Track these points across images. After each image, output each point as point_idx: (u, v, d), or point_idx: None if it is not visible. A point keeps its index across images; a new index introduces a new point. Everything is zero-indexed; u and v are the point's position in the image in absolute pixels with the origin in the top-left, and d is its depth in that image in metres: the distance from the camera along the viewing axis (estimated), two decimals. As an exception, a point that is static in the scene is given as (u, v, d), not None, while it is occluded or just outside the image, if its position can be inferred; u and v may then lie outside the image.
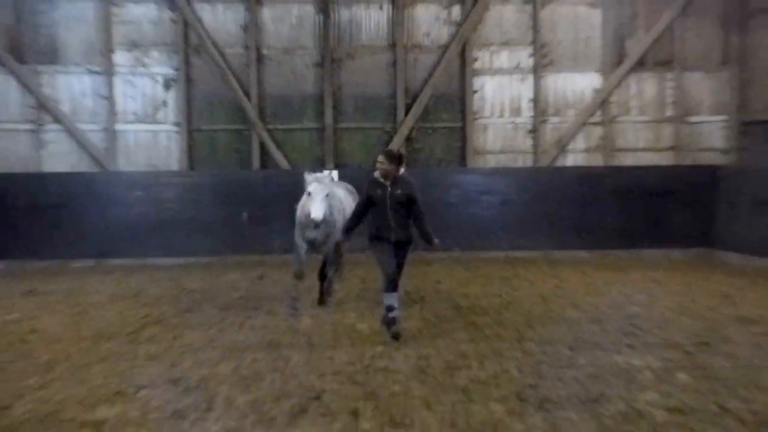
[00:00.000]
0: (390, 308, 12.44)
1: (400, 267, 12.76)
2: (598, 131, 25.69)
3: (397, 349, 11.68)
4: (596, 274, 19.89)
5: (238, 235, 22.79)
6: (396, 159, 12.92)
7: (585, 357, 10.96)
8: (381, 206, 12.69)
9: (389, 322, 12.51)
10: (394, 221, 12.61)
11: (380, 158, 12.94)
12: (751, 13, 24.94)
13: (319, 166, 24.18)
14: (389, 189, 12.66)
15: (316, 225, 13.87)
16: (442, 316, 14.37)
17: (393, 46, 25.33)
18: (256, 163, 24.96)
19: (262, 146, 25.08)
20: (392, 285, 12.47)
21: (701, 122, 25.89)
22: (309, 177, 14.39)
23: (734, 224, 23.30)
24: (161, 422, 8.35)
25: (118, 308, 15.81)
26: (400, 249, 12.76)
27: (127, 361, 11.16)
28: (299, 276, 14.89)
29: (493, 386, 9.54)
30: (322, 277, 15.67)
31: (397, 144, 24.69)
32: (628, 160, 25.53)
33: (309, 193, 14.02)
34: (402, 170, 13.15)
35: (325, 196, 13.94)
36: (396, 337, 12.42)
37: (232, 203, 23.04)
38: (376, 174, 12.97)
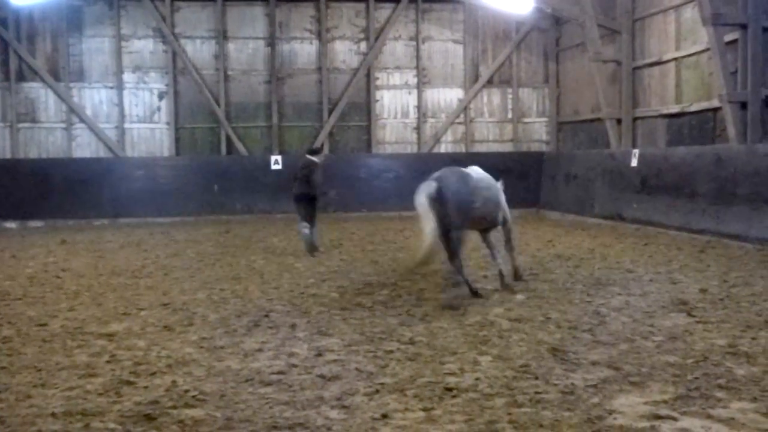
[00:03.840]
0: (308, 235, 14.27)
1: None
2: (461, 128, 25.82)
3: (323, 280, 11.53)
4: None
5: (211, 201, 22.45)
6: (316, 152, 15.00)
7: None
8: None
9: (310, 244, 14.29)
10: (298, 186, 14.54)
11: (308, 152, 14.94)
12: (563, 49, 25.32)
13: (268, 153, 24.01)
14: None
15: None
16: (355, 257, 14.27)
17: (319, 69, 25.15)
18: (223, 150, 24.71)
19: (228, 139, 24.78)
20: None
21: (531, 122, 26.16)
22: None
23: (553, 192, 23.64)
24: (156, 334, 8.11)
25: (125, 253, 15.49)
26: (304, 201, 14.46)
27: (131, 291, 10.90)
28: None
29: (390, 306, 9.44)
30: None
31: (322, 138, 24.63)
32: (481, 148, 25.69)
33: None
34: (320, 157, 14.98)
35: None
36: (313, 250, 14.28)
37: (206, 179, 22.68)
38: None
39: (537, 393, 5.82)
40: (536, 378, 6.23)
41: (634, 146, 20.50)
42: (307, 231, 14.37)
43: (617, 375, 6.25)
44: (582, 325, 8.15)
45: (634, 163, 18.81)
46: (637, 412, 5.36)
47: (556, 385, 6.02)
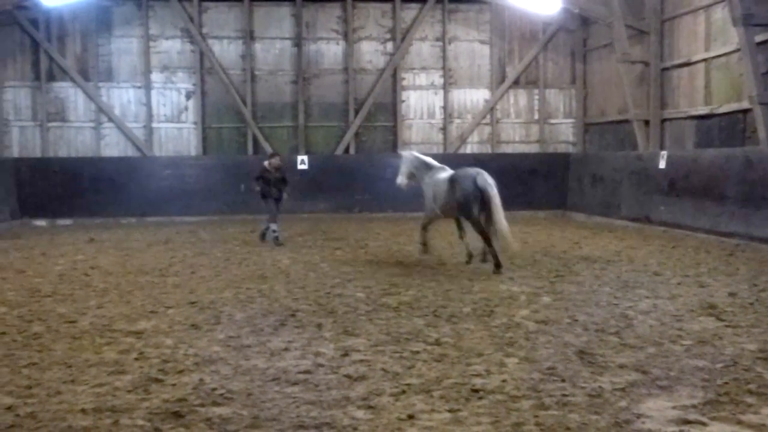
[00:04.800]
0: (275, 230, 16.40)
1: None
2: (487, 129, 25.74)
3: (349, 280, 11.55)
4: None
5: (237, 201, 22.51)
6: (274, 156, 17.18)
7: (479, 286, 10.88)
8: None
9: (276, 237, 16.36)
10: (275, 188, 16.50)
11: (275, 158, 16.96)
12: (590, 49, 25.13)
13: (294, 153, 24.08)
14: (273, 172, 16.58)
15: None
16: (380, 257, 14.27)
17: (346, 69, 25.16)
18: (250, 150, 24.81)
19: (255, 139, 24.90)
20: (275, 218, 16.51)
21: (557, 123, 26.01)
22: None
23: (580, 193, 23.52)
24: (183, 332, 8.17)
25: (153, 252, 15.60)
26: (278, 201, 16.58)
27: (158, 289, 10.98)
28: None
29: (415, 306, 9.43)
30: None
31: (348, 138, 24.74)
32: (507, 149, 25.60)
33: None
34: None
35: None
36: (280, 245, 16.14)
37: (233, 178, 22.61)
38: (266, 164, 16.73)
39: (564, 396, 5.80)
40: (563, 380, 6.20)
41: (662, 148, 20.32)
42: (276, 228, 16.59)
43: (645, 379, 6.21)
44: (609, 327, 8.11)
45: (662, 165, 18.67)
46: (666, 416, 5.33)
47: (583, 388, 5.99)
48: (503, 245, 12.36)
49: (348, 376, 6.38)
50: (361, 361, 6.90)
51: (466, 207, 12.45)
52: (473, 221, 12.50)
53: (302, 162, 23.24)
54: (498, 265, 12.18)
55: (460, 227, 13.69)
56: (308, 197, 22.67)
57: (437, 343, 7.54)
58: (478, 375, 6.40)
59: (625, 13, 21.06)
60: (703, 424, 5.17)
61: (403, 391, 5.95)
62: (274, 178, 16.58)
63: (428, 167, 13.95)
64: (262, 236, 16.95)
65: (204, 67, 24.88)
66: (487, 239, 12.41)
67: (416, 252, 14.29)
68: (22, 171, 22.87)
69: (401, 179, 14.21)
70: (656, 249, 15.08)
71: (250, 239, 17.55)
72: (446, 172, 13.44)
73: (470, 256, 13.28)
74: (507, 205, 23.50)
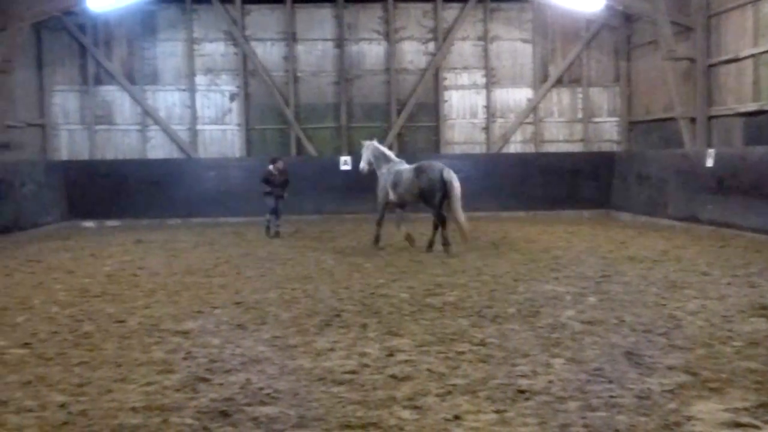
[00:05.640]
0: (278, 224, 18.34)
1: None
2: (530, 128, 25.57)
3: (393, 280, 11.55)
4: (530, 228, 19.77)
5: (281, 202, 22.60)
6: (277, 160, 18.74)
7: (524, 286, 10.81)
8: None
9: (276, 232, 18.29)
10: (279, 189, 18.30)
11: (278, 162, 18.64)
12: (634, 47, 24.84)
13: (337, 154, 24.16)
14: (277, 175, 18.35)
15: None
16: (424, 257, 14.23)
17: (387, 69, 25.18)
18: (293, 151, 24.93)
19: (298, 140, 25.01)
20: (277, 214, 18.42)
21: (601, 122, 25.74)
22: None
23: (625, 192, 23.27)
24: (229, 332, 8.26)
25: (198, 252, 15.77)
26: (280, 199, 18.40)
27: (205, 289, 11.08)
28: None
29: (460, 307, 9.41)
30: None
31: (390, 138, 24.69)
32: (551, 148, 25.40)
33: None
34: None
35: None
36: (277, 235, 18.17)
37: (288, 173, 22.61)
38: (271, 168, 18.45)
39: (611, 397, 5.75)
40: (610, 382, 6.15)
41: (709, 146, 19.99)
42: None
43: (695, 380, 6.13)
44: (657, 328, 8.02)
45: (709, 163, 18.38)
46: (717, 419, 5.25)
47: (630, 389, 5.93)
48: (461, 234, 14.61)
49: (393, 377, 6.40)
50: (406, 361, 6.90)
51: (430, 194, 14.62)
52: (433, 206, 14.65)
53: (345, 162, 23.29)
54: (446, 243, 14.48)
55: (399, 218, 15.98)
56: (352, 198, 22.69)
57: (482, 343, 7.52)
58: (524, 376, 6.37)
59: (670, 9, 20.76)
60: (756, 427, 5.08)
61: (449, 392, 5.95)
62: (278, 181, 18.47)
63: (387, 159, 16.12)
64: (267, 230, 18.53)
65: (247, 69, 25.08)
66: (443, 224, 14.63)
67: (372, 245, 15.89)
68: (71, 173, 23.27)
69: (363, 165, 16.37)
70: (704, 248, 14.86)
71: (294, 242, 17.65)
72: (406, 165, 15.70)
73: (411, 239, 15.58)
74: (551, 204, 23.68)
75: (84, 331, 8.38)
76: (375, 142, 16.64)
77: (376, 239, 15.93)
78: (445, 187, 14.46)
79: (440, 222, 14.65)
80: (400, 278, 11.77)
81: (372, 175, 16.42)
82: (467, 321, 8.57)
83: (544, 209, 23.79)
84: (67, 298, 10.54)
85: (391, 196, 15.48)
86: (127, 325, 8.65)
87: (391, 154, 16.43)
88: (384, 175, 15.84)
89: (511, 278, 11.54)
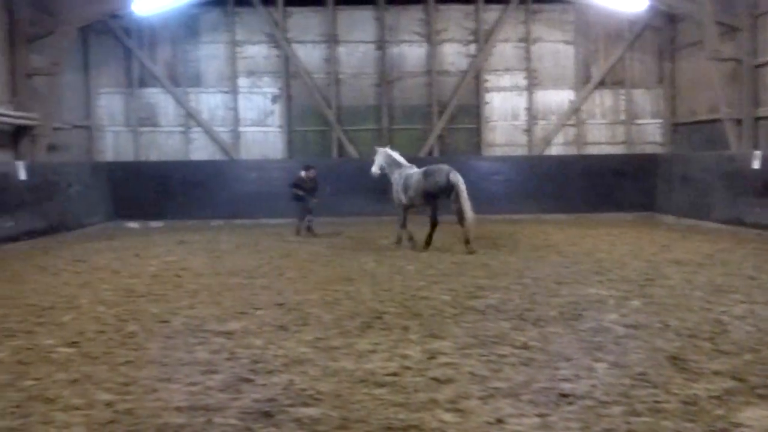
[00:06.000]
0: (310, 219, 19.10)
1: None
2: (572, 130, 25.40)
3: (434, 283, 11.53)
4: (572, 230, 19.61)
5: (322, 203, 22.62)
6: (310, 168, 19.55)
7: (566, 289, 10.72)
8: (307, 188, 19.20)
9: (310, 228, 19.04)
10: (308, 193, 19.13)
11: (311, 171, 19.44)
12: (678, 48, 24.54)
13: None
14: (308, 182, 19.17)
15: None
16: (465, 260, 14.18)
17: (428, 71, 25.18)
18: (334, 153, 25.03)
19: (339, 142, 25.13)
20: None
21: (644, 124, 25.49)
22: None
23: (668, 195, 22.98)
24: (272, 333, 8.30)
25: (241, 254, 15.88)
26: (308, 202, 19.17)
27: (247, 290, 11.17)
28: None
29: (501, 309, 9.37)
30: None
31: (431, 141, 24.75)
32: (593, 150, 25.17)
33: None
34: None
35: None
36: (309, 231, 19.05)
37: (318, 181, 22.65)
38: (303, 174, 19.31)
39: (656, 402, 5.69)
40: (655, 387, 6.08)
41: (755, 148, 19.65)
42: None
43: (742, 386, 6.03)
44: (702, 333, 7.91)
45: (756, 165, 18.07)
46: (765, 426, 5.18)
47: (676, 394, 5.87)
48: (468, 232, 15.22)
49: (435, 379, 6.39)
50: (448, 364, 6.89)
51: (435, 195, 15.48)
52: (433, 207, 15.60)
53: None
54: (428, 243, 15.68)
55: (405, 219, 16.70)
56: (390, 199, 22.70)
57: (524, 346, 7.48)
58: (567, 380, 6.33)
59: (715, 9, 20.47)
60: (805, 434, 5.00)
61: (491, 395, 5.93)
62: (308, 187, 19.31)
63: (398, 164, 16.91)
64: (307, 228, 19.29)
65: (289, 71, 25.24)
66: (433, 225, 15.68)
67: (408, 245, 16.29)
68: (115, 174, 23.61)
69: (374, 169, 17.30)
70: (750, 252, 14.61)
71: (335, 244, 17.71)
72: (416, 169, 16.44)
73: (411, 239, 16.38)
74: (593, 207, 23.47)
75: (129, 330, 8.49)
76: (387, 149, 17.44)
77: (398, 240, 16.74)
78: (451, 188, 15.23)
79: (433, 223, 15.70)
80: (442, 281, 11.74)
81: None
82: (509, 324, 8.53)
83: (586, 212, 23.62)
84: (113, 297, 10.69)
85: (403, 200, 16.33)
86: (171, 325, 8.75)
87: (402, 159, 17.07)
88: (396, 179, 16.68)
89: (553, 281, 11.46)
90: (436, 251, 15.36)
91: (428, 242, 15.73)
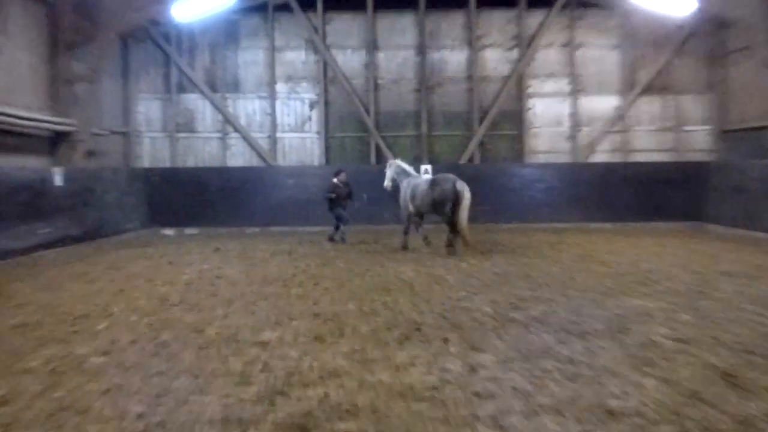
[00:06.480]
0: (343, 232, 19.42)
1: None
2: (617, 137, 25.04)
3: (475, 294, 11.37)
4: (617, 240, 19.33)
5: (360, 211, 22.58)
6: (340, 172, 19.68)
7: (612, 301, 10.51)
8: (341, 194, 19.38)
9: (343, 237, 19.40)
10: (343, 200, 19.38)
11: (341, 174, 19.53)
12: (728, 53, 24.02)
13: (417, 162, 23.92)
14: (342, 187, 19.33)
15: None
16: (507, 270, 14.00)
17: (470, 77, 25.04)
18: (373, 159, 24.98)
19: (377, 148, 25.04)
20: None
21: (692, 130, 25.04)
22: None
23: (718, 204, 22.55)
24: (307, 344, 8.22)
25: (276, 262, 15.84)
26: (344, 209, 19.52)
27: (283, 299, 11.10)
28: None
29: (545, 322, 9.19)
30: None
31: (472, 147, 24.59)
32: (639, 157, 24.80)
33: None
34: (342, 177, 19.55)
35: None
36: (343, 241, 19.32)
37: (356, 188, 22.16)
38: (335, 180, 19.32)
39: (708, 421, 5.51)
40: (707, 405, 5.90)
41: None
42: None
43: (800, 405, 5.82)
44: (757, 348, 7.67)
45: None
46: (826, 448, 4.96)
47: (729, 413, 5.69)
48: (463, 240, 16.11)
49: (476, 394, 6.26)
50: (490, 378, 6.76)
51: (441, 204, 16.18)
52: (444, 214, 16.30)
53: (426, 171, 23.19)
54: (450, 245, 16.43)
55: (418, 224, 17.82)
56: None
57: (569, 361, 7.31)
58: (614, 396, 6.16)
59: (765, 14, 20.06)
60: None
61: (534, 411, 5.79)
62: (344, 193, 19.45)
63: (407, 174, 17.99)
64: (342, 237, 19.56)
65: (327, 77, 25.27)
66: (453, 229, 16.30)
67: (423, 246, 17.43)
68: (152, 180, 23.79)
69: (387, 183, 18.29)
70: (805, 264, 14.26)
71: (372, 252, 17.62)
72: (424, 178, 17.55)
73: (425, 238, 17.59)
74: (639, 215, 23.22)
75: (162, 340, 8.47)
76: (398, 161, 18.46)
77: (404, 246, 17.58)
78: (458, 198, 16.01)
79: (451, 227, 16.41)
80: (483, 291, 11.58)
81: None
82: (553, 337, 8.36)
83: (632, 221, 23.33)
84: (147, 306, 10.70)
85: (411, 208, 17.27)
86: (204, 335, 8.71)
87: (411, 170, 18.21)
88: (404, 188, 17.65)
89: (599, 293, 11.25)
90: (476, 260, 15.20)
91: (450, 244, 16.50)
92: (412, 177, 17.85)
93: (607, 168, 24.28)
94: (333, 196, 19.19)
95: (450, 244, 16.49)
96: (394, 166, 18.27)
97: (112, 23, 21.31)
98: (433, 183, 16.61)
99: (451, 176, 16.53)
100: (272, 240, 20.62)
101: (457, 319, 9.41)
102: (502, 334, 8.56)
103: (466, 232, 16.10)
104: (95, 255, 17.38)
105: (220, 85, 25.18)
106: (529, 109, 25.16)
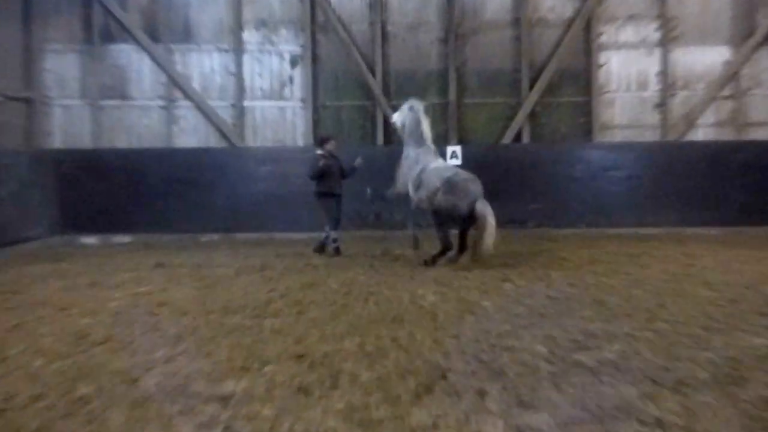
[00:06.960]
0: (335, 239, 19.30)
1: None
2: (728, 105, 25.08)
3: (523, 327, 11.36)
4: (728, 252, 19.32)
5: (362, 210, 22.63)
6: (328, 140, 19.60)
7: (721, 338, 10.48)
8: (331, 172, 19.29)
9: (337, 249, 19.31)
10: (337, 182, 19.49)
11: (329, 143, 19.43)
12: None
13: (441, 142, 23.89)
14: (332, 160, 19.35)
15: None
16: (569, 294, 13.99)
17: (517, 20, 25.13)
18: (379, 138, 25.01)
19: (386, 122, 25.04)
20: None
21: (836, 96, 25.05)
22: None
23: None
24: (286, 398, 8.20)
25: (244, 283, 15.88)
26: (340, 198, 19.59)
27: (252, 336, 11.09)
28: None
29: (623, 368, 9.16)
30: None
31: (521, 119, 24.59)
32: (760, 134, 24.76)
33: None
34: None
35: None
36: (338, 253, 19.30)
37: (356, 178, 21.91)
38: (320, 153, 19.25)
39: None
40: None
41: None
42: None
43: None
44: None
45: None
46: None
47: None
48: (474, 246, 16.58)
49: (526, 471, 6.26)
50: (545, 448, 6.75)
51: (447, 216, 16.71)
52: (438, 227, 16.98)
53: (454, 154, 23.22)
54: (462, 251, 17.19)
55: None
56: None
57: (659, 423, 7.29)
58: (724, 477, 6.15)
59: None
60: None
61: (611, 496, 5.78)
62: (335, 167, 19.42)
63: (420, 139, 17.91)
64: (321, 248, 19.68)
65: (316, 21, 25.34)
66: (463, 249, 17.11)
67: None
68: (66, 168, 23.83)
69: (396, 119, 18.77)
70: None
71: (379, 267, 17.63)
72: (440, 161, 17.96)
73: (416, 240, 18.60)
74: (759, 216, 23.15)
75: (79, 394, 8.43)
76: (422, 108, 18.36)
77: (415, 245, 18.66)
78: (472, 219, 16.33)
79: (461, 246, 17.21)
80: (535, 323, 11.57)
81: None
82: (635, 389, 8.32)
83: (749, 225, 23.34)
84: (57, 346, 10.68)
85: (410, 192, 17.72)
86: (139, 387, 8.68)
87: (428, 133, 18.10)
88: (410, 163, 17.93)
89: (701, 326, 11.22)
90: (524, 280, 15.18)
91: (462, 251, 17.23)
92: (425, 151, 17.86)
93: (714, 149, 24.27)
94: (321, 165, 19.02)
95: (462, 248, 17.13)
96: (414, 116, 18.13)
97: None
98: (448, 185, 16.59)
99: (473, 188, 16.53)
100: (238, 251, 20.74)
101: (499, 363, 9.39)
102: (561, 384, 8.54)
103: (485, 253, 16.40)
104: (-15, 273, 17.44)
105: (164, 33, 25.27)
106: (602, 65, 25.21)
